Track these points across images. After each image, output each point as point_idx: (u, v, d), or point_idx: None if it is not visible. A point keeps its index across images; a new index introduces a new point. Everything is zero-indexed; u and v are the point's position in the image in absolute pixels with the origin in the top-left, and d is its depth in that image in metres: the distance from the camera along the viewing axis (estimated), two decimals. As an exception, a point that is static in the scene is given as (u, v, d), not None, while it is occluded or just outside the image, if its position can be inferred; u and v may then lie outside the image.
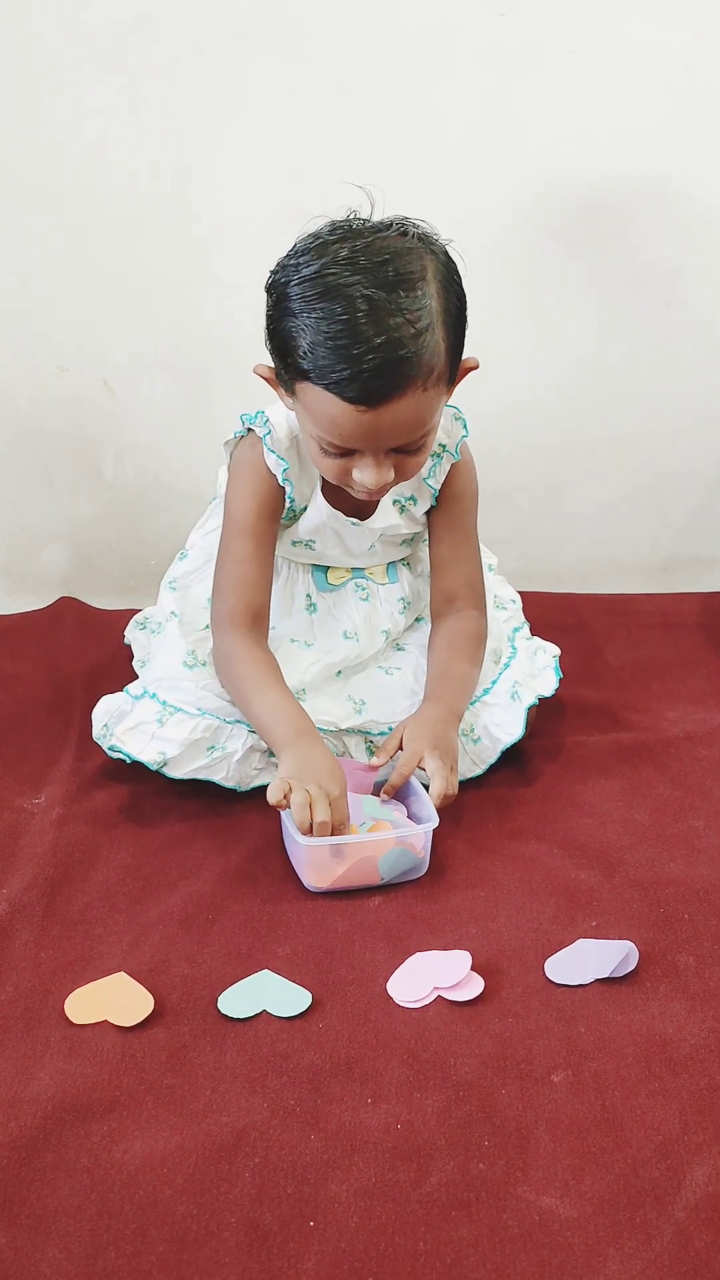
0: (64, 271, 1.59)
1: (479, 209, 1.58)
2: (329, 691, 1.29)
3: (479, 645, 1.29)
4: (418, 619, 1.38)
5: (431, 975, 0.99)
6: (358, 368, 1.04)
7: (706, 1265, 0.76)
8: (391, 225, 1.09)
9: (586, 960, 1.00)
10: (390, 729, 1.27)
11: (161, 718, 1.21)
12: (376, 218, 1.12)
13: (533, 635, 1.39)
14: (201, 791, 1.25)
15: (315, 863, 1.08)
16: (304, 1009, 0.96)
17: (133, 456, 1.68)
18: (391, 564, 1.35)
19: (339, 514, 1.26)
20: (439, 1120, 0.86)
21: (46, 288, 1.60)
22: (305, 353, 1.07)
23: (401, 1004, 0.97)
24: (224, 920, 1.06)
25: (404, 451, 1.13)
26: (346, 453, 1.12)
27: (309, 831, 1.06)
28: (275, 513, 1.24)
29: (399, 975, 1.00)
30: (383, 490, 1.15)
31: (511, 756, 1.31)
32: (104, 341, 1.62)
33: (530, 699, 1.28)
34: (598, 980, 0.99)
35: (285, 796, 1.07)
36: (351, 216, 1.11)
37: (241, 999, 0.97)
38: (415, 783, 1.18)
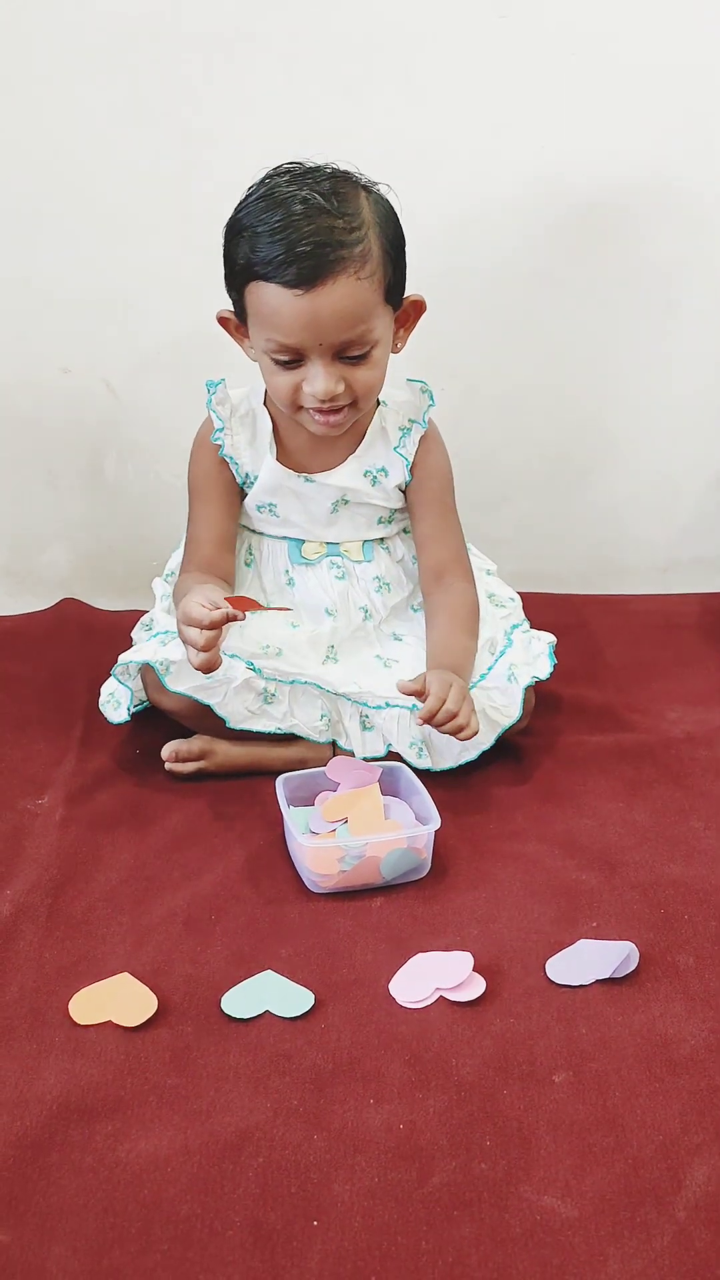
0: (66, 272, 1.59)
1: (480, 209, 1.58)
2: (322, 660, 1.32)
3: (474, 617, 1.33)
4: (413, 608, 1.38)
5: (433, 976, 1.00)
6: (292, 250, 1.13)
7: (707, 1265, 0.76)
8: (333, 169, 1.20)
9: (587, 961, 1.01)
10: (388, 704, 1.28)
11: (164, 640, 1.26)
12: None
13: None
14: (203, 792, 1.25)
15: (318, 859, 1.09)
16: (306, 1009, 0.96)
17: (135, 457, 1.68)
18: (367, 543, 1.36)
19: (290, 472, 1.30)
20: (441, 1120, 0.87)
21: (49, 288, 1.60)
22: (250, 252, 1.16)
23: (403, 1004, 0.98)
24: (227, 921, 1.07)
25: (350, 360, 1.18)
26: (295, 361, 1.18)
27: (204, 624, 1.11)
28: (223, 476, 1.32)
29: (401, 976, 1.00)
30: (334, 409, 1.21)
31: (513, 756, 1.31)
32: (106, 343, 1.62)
33: (527, 679, 1.29)
34: (599, 981, 0.99)
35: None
36: (294, 162, 1.21)
37: (244, 999, 0.97)
38: (417, 782, 1.18)
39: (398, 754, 1.28)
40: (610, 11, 1.50)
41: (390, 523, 1.37)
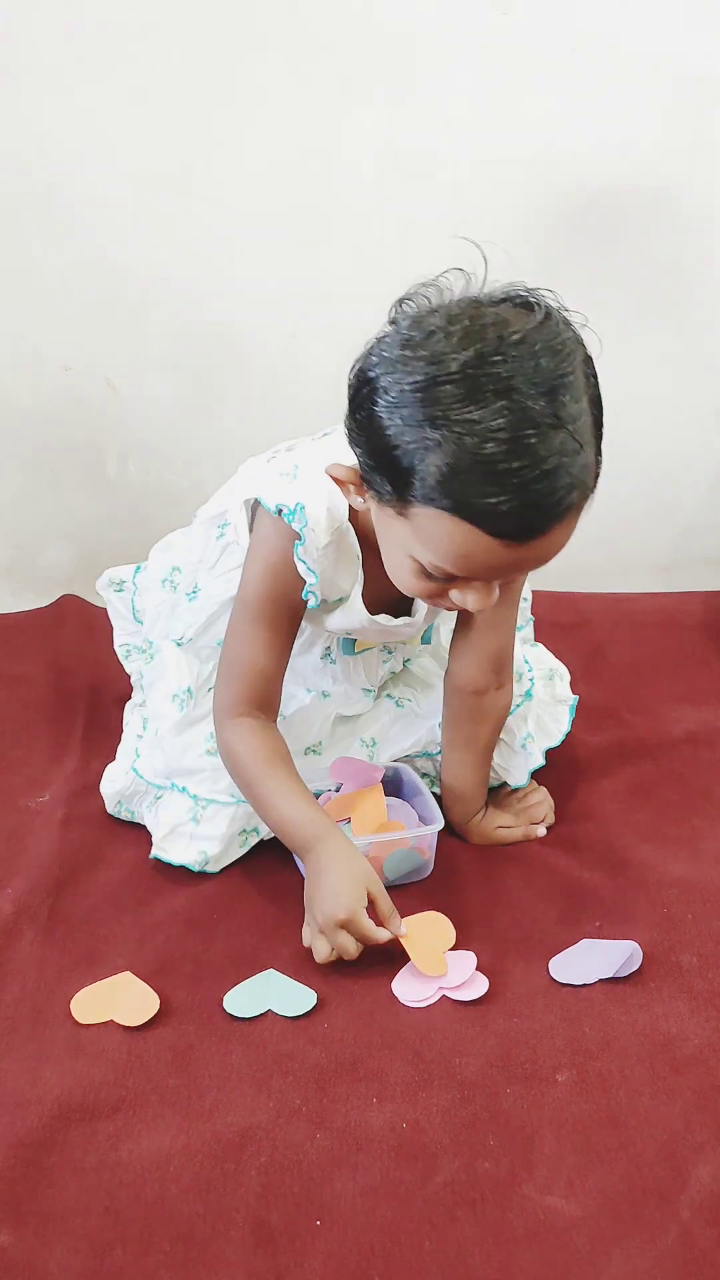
0: (67, 271, 1.59)
1: (480, 208, 1.58)
2: (341, 740, 1.25)
3: (501, 729, 1.20)
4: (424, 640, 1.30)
5: (436, 975, 1.00)
6: (519, 498, 0.83)
7: (710, 1263, 0.76)
8: (518, 301, 0.89)
9: (590, 960, 1.01)
10: (406, 756, 1.24)
11: (195, 815, 1.13)
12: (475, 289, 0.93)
13: (537, 635, 1.39)
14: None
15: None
16: (309, 1009, 0.96)
17: (136, 456, 1.68)
18: (430, 628, 1.24)
19: (376, 619, 1.11)
20: (444, 1119, 0.86)
21: (50, 287, 1.60)
22: (438, 478, 0.84)
23: (406, 1004, 0.97)
24: (229, 920, 1.07)
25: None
26: (453, 578, 0.92)
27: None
28: (296, 608, 1.09)
29: (404, 975, 1.00)
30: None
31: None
32: (107, 341, 1.62)
33: (539, 758, 1.24)
34: (602, 980, 0.99)
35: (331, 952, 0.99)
36: (463, 290, 0.91)
37: (247, 999, 0.97)
38: (420, 783, 1.18)
39: None
40: (611, 9, 1.50)
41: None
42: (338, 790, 1.20)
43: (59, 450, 1.67)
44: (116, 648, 1.33)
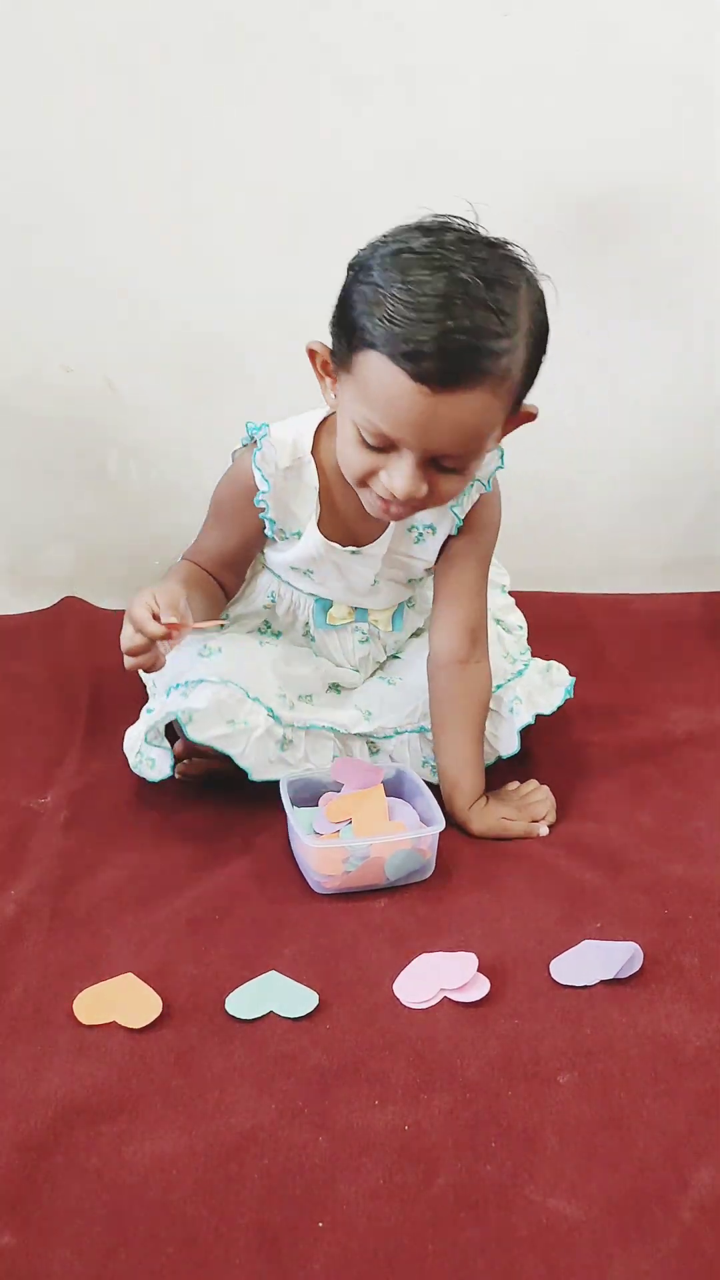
0: (68, 271, 1.59)
1: (482, 210, 1.57)
2: (332, 700, 1.29)
3: (486, 709, 1.25)
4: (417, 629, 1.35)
5: (438, 976, 1.00)
6: (434, 342, 0.97)
7: (713, 1266, 0.76)
8: (493, 237, 1.06)
9: (592, 961, 1.01)
10: (396, 732, 1.27)
11: (186, 691, 1.19)
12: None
13: (538, 635, 1.40)
14: (208, 792, 1.25)
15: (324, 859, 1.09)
16: (311, 1010, 0.96)
17: (137, 456, 1.68)
18: (400, 609, 1.30)
19: (334, 545, 1.21)
20: (446, 1121, 0.87)
21: (50, 287, 1.60)
22: (381, 319, 0.99)
23: (408, 1005, 0.97)
24: (231, 921, 1.07)
25: (443, 468, 1.05)
26: (385, 448, 1.04)
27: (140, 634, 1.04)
28: (250, 520, 1.21)
29: (405, 976, 1.00)
30: (406, 508, 1.08)
31: (515, 756, 1.31)
32: (108, 341, 1.62)
33: (527, 717, 1.26)
34: (603, 981, 0.99)
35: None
36: (454, 216, 1.06)
37: (249, 1000, 0.97)
38: (421, 783, 1.18)
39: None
40: (613, 10, 1.50)
41: (416, 583, 1.30)
42: (339, 791, 1.20)
43: (60, 450, 1.67)
44: None
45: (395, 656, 1.34)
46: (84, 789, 1.26)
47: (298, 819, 1.14)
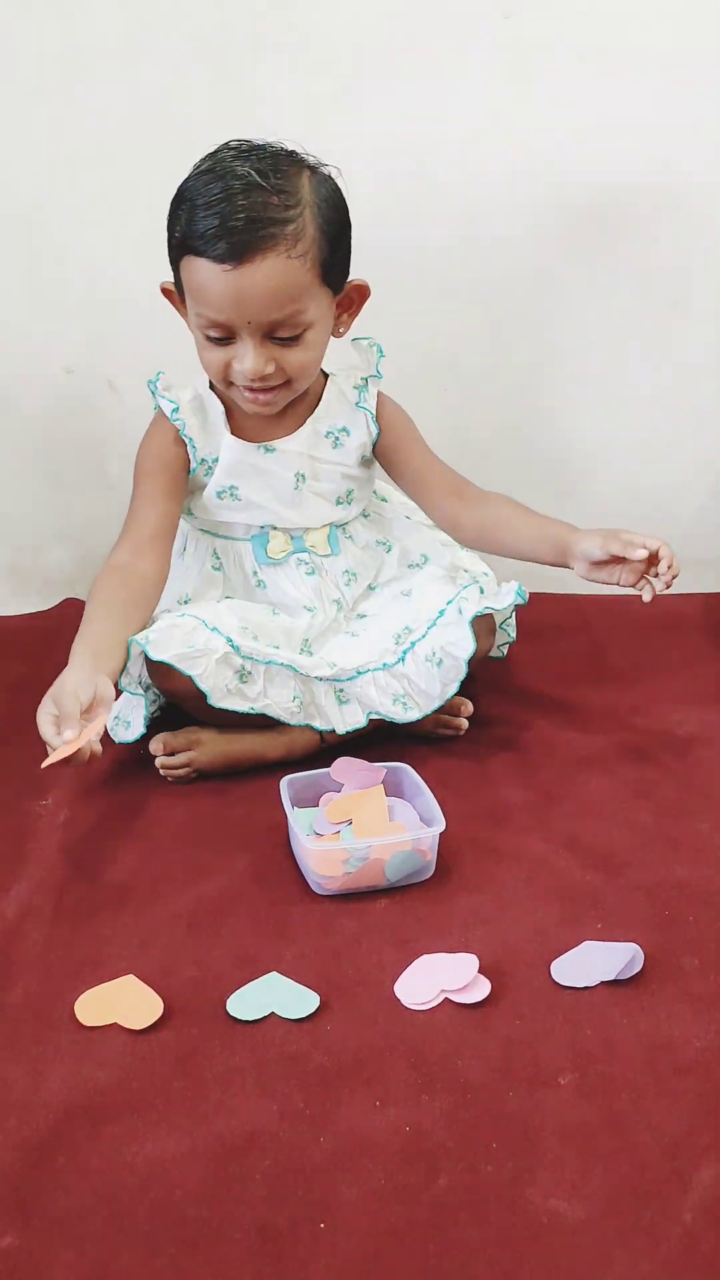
0: (69, 272, 1.59)
1: (485, 211, 1.58)
2: (300, 656, 1.32)
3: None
4: (370, 586, 1.41)
5: (438, 977, 1.00)
6: (224, 225, 1.13)
7: (714, 1267, 0.76)
8: (282, 148, 1.19)
9: (592, 962, 1.01)
10: (359, 673, 1.30)
11: (149, 635, 1.23)
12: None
13: (538, 636, 1.40)
14: (209, 792, 1.25)
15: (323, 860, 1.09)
16: (312, 1011, 0.97)
17: (138, 457, 1.68)
18: (332, 532, 1.36)
19: (249, 444, 1.30)
20: (447, 1123, 0.87)
21: (52, 289, 1.60)
22: (185, 224, 1.16)
23: (409, 1006, 0.98)
24: (232, 923, 1.07)
25: (280, 340, 1.19)
26: (225, 338, 1.19)
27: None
28: (175, 459, 1.31)
29: (406, 977, 1.00)
30: (265, 387, 1.21)
31: (516, 756, 1.31)
32: (110, 343, 1.62)
33: (474, 610, 1.29)
34: (604, 983, 0.99)
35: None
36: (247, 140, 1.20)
37: (250, 1001, 0.97)
38: (422, 783, 1.18)
39: (378, 719, 1.30)
40: (616, 11, 1.50)
41: (350, 503, 1.37)
42: (339, 791, 1.20)
43: (61, 452, 1.68)
44: None
45: (360, 616, 1.38)
46: (84, 791, 1.26)
47: (298, 820, 1.14)
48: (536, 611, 1.48)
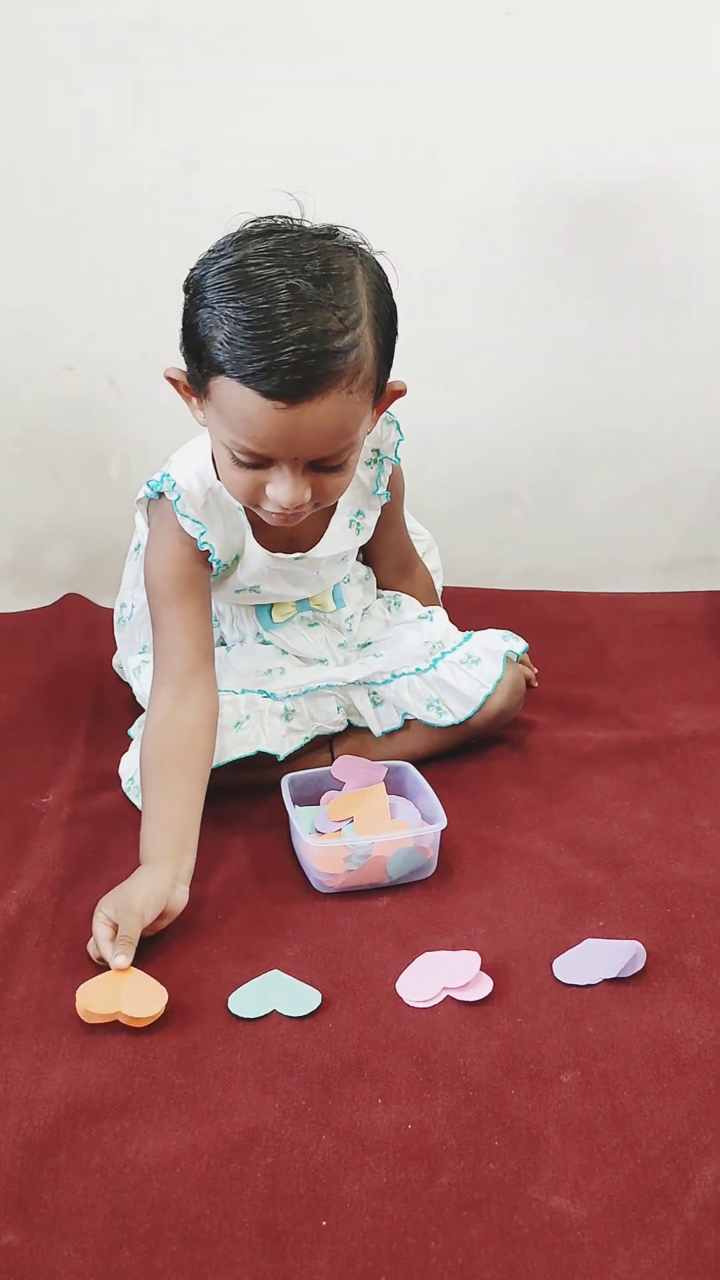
0: (70, 270, 1.59)
1: (484, 207, 1.58)
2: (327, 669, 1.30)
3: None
4: (364, 611, 1.36)
5: (440, 975, 1.00)
6: (276, 358, 0.97)
7: (716, 1265, 0.76)
8: (320, 227, 1.04)
9: (594, 960, 1.01)
10: (394, 676, 1.28)
11: None
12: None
13: (540, 634, 1.40)
14: (210, 791, 1.25)
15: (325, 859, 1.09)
16: (313, 1009, 0.96)
17: (139, 455, 1.68)
18: (336, 589, 1.30)
19: (278, 555, 1.20)
20: (449, 1120, 0.87)
21: (52, 286, 1.60)
22: (222, 344, 0.99)
23: (411, 1004, 0.97)
24: (233, 920, 1.07)
25: (322, 469, 1.05)
26: (260, 464, 1.04)
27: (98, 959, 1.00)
28: (198, 574, 1.17)
29: (408, 975, 1.00)
30: (298, 513, 1.08)
31: (518, 755, 1.31)
32: (110, 340, 1.62)
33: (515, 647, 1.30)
34: (606, 980, 0.99)
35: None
36: (278, 217, 1.05)
37: (251, 999, 0.97)
38: (423, 781, 1.18)
39: (413, 720, 1.29)
40: (617, 9, 1.50)
41: (347, 560, 1.30)
42: (340, 789, 1.20)
43: (62, 449, 1.67)
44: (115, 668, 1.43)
45: (367, 644, 1.34)
46: (86, 788, 1.26)
47: (299, 818, 1.14)
48: (538, 610, 1.48)
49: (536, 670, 1.41)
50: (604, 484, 1.75)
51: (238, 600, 1.26)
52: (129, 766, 1.23)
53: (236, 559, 1.20)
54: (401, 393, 1.12)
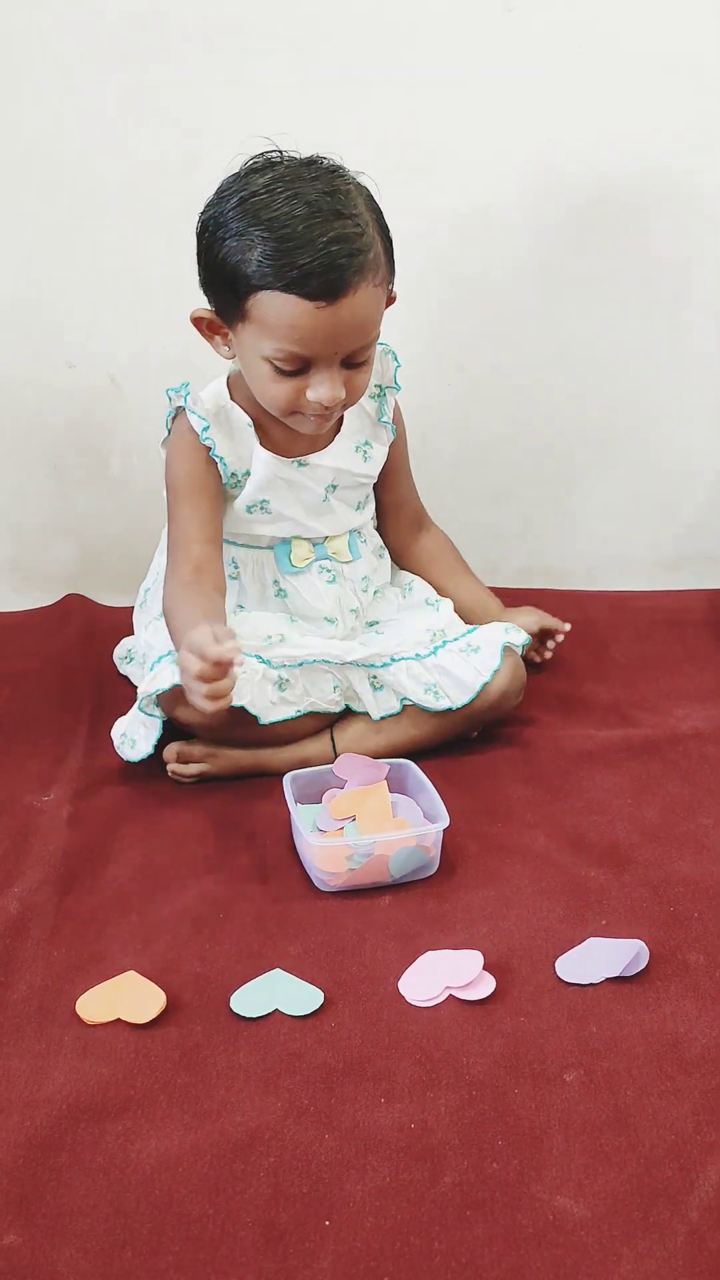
0: (71, 267, 1.58)
1: (486, 204, 1.58)
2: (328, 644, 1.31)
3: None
4: (376, 591, 1.40)
5: (443, 974, 1.00)
6: (313, 262, 1.09)
7: (720, 1265, 0.76)
8: (306, 157, 1.16)
9: (597, 959, 1.01)
10: (393, 660, 1.29)
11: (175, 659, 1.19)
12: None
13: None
14: (210, 790, 1.25)
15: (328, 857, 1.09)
16: (316, 1008, 0.96)
17: (140, 453, 1.68)
18: (351, 537, 1.35)
19: (283, 459, 1.28)
20: (452, 1120, 0.86)
21: (54, 283, 1.59)
22: (258, 263, 1.11)
23: (413, 1003, 0.97)
24: (235, 919, 1.07)
25: (351, 365, 1.17)
26: (299, 370, 1.16)
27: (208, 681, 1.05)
28: (211, 476, 1.27)
29: (410, 974, 1.00)
30: (331, 413, 1.19)
31: (520, 753, 1.31)
32: (111, 338, 1.62)
33: (516, 638, 1.33)
34: (608, 979, 0.99)
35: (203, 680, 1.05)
36: (269, 153, 1.17)
37: (253, 998, 0.97)
38: (425, 780, 1.18)
39: (412, 705, 1.29)
40: (618, 5, 1.50)
41: (363, 508, 1.36)
42: (343, 787, 1.20)
43: (62, 447, 1.67)
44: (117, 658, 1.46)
45: (373, 623, 1.37)
46: (87, 786, 1.25)
47: (301, 816, 1.14)
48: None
49: (569, 625, 1.49)
50: (607, 481, 1.75)
51: (251, 524, 1.30)
52: (121, 724, 1.29)
53: (247, 474, 1.28)
54: (394, 299, 1.23)
